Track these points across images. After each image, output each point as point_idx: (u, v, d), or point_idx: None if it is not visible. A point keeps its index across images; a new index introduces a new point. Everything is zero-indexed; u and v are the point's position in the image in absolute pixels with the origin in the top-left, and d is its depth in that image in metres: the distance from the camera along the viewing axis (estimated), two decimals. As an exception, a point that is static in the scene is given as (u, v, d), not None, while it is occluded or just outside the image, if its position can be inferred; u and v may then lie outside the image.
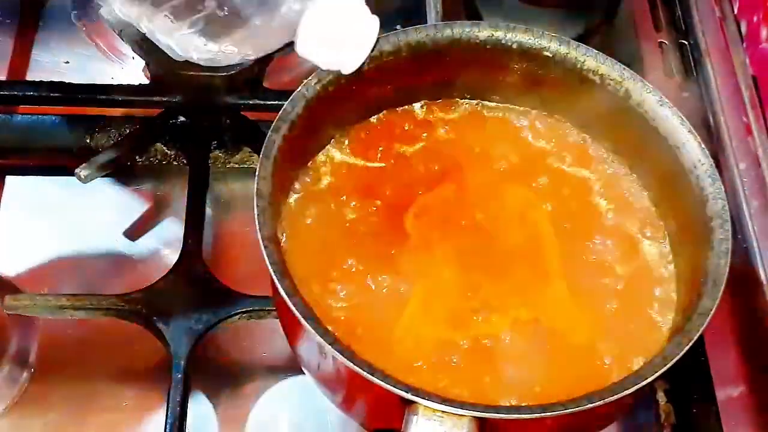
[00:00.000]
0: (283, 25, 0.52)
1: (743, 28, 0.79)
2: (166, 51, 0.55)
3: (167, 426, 0.60)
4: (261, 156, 0.55)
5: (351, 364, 0.49)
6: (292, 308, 0.50)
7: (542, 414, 0.48)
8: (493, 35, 0.60)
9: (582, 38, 0.61)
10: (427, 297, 0.56)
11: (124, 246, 0.72)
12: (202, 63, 0.54)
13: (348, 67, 0.53)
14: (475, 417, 0.48)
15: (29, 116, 0.77)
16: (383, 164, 0.61)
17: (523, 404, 0.52)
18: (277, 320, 0.61)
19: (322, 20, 0.51)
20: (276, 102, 0.71)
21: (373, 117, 0.63)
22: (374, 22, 0.53)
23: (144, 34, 0.74)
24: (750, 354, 0.67)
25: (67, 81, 0.74)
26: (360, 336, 0.54)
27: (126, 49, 0.80)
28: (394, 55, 0.58)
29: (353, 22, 0.52)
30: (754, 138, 0.74)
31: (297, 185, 0.60)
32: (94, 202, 0.74)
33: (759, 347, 0.67)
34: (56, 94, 0.73)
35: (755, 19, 0.77)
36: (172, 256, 0.68)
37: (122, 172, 0.74)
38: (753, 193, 0.72)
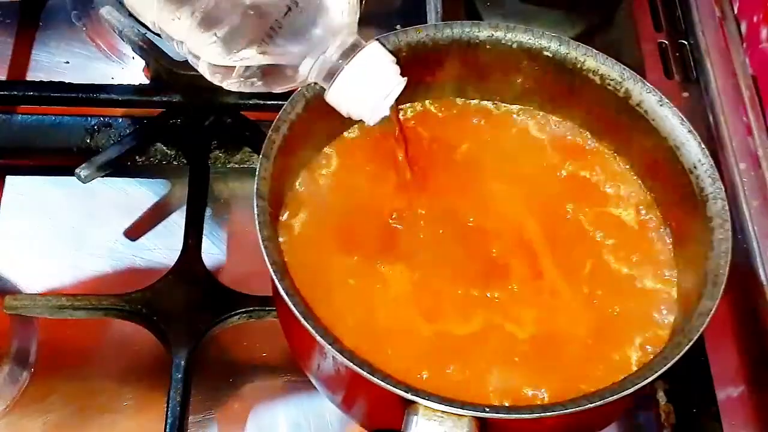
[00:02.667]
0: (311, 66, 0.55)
1: (743, 28, 0.79)
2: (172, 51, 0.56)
3: (167, 426, 0.60)
4: (261, 156, 0.55)
5: (351, 364, 0.49)
6: (292, 308, 0.50)
7: (542, 414, 0.49)
8: (493, 35, 0.60)
9: (582, 38, 0.61)
10: (420, 292, 0.56)
11: (124, 246, 0.72)
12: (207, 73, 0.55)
13: (372, 119, 0.56)
14: (475, 417, 0.48)
15: (29, 116, 0.77)
16: (382, 164, 0.61)
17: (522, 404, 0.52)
18: (277, 320, 0.61)
19: (358, 76, 0.54)
20: (276, 102, 0.71)
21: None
22: (402, 81, 0.56)
23: (144, 33, 0.74)
24: (750, 354, 0.67)
25: (67, 81, 0.74)
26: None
27: (126, 49, 0.80)
28: (394, 55, 0.58)
29: (384, 80, 0.55)
30: (754, 138, 0.74)
31: (297, 185, 0.60)
32: (94, 202, 0.74)
33: (759, 347, 0.67)
34: (56, 94, 0.73)
35: (755, 19, 0.78)
36: (172, 256, 0.68)
37: (122, 172, 0.74)
38: (753, 193, 0.72)
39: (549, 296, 0.57)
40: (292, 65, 0.54)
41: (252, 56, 0.53)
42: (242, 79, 0.55)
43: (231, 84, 0.55)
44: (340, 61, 0.54)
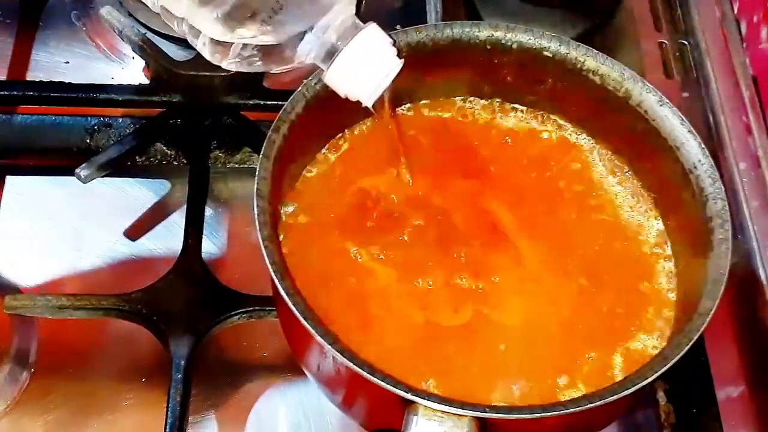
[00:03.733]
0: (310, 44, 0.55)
1: (743, 28, 0.79)
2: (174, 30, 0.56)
3: (167, 426, 0.60)
4: (261, 156, 0.55)
5: (351, 364, 0.49)
6: (292, 308, 0.50)
7: (542, 414, 0.49)
8: (493, 35, 0.60)
9: (582, 38, 0.61)
10: (415, 289, 0.57)
11: (124, 246, 0.72)
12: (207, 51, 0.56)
13: (368, 100, 0.56)
14: (475, 417, 0.48)
15: (29, 116, 0.77)
16: (380, 163, 0.61)
17: (522, 403, 0.52)
18: (277, 320, 0.61)
19: (356, 57, 0.55)
20: (276, 102, 0.71)
21: (372, 117, 0.63)
22: (399, 63, 0.56)
23: (144, 33, 0.74)
24: (750, 354, 0.67)
25: (67, 81, 0.74)
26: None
27: (126, 49, 0.80)
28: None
29: (380, 62, 0.56)
30: (754, 138, 0.74)
31: (297, 184, 0.60)
32: (94, 202, 0.74)
33: (759, 347, 0.67)
34: (56, 94, 0.73)
35: (755, 19, 0.78)
36: (172, 256, 0.68)
37: (122, 172, 0.74)
38: (753, 193, 0.72)
39: (551, 294, 0.57)
40: (292, 45, 0.55)
41: (253, 35, 0.53)
42: (240, 59, 0.55)
43: (230, 63, 0.55)
44: (339, 42, 0.55)
